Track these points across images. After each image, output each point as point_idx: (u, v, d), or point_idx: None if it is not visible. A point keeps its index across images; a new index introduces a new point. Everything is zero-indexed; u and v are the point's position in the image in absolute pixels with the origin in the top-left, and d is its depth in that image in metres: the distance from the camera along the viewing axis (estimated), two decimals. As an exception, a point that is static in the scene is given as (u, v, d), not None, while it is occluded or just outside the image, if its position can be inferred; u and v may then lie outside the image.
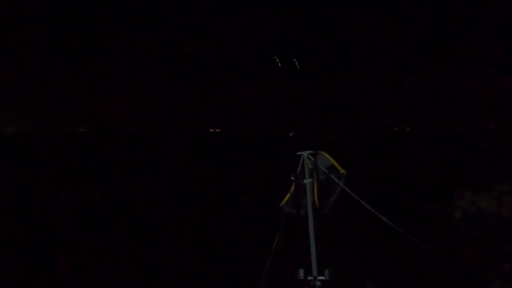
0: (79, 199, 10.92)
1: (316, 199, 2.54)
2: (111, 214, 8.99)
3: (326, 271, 2.36)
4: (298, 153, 2.68)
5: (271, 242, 2.69)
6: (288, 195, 2.72)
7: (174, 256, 5.86)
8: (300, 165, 2.67)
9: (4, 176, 16.12)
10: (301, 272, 2.40)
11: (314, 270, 2.39)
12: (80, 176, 16.11)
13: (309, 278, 2.37)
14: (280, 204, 2.75)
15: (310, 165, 2.64)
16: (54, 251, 6.18)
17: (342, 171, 2.68)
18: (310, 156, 2.65)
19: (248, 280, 4.45)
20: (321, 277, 2.36)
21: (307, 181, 2.60)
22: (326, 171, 2.69)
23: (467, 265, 4.66)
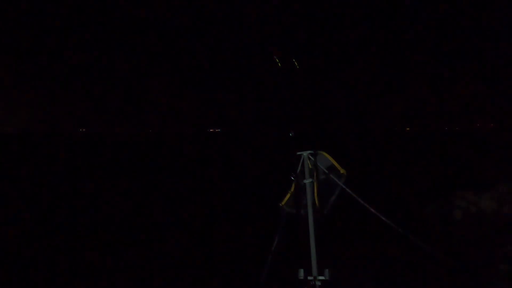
0: (79, 198, 10.92)
1: (316, 199, 2.54)
2: (112, 213, 9.00)
3: (326, 271, 2.36)
4: (298, 153, 2.67)
5: (271, 242, 2.69)
6: (288, 195, 2.72)
7: (175, 255, 5.86)
8: (300, 165, 2.66)
9: (4, 176, 16.12)
10: (301, 272, 2.40)
11: (314, 270, 2.38)
12: (80, 175, 16.11)
13: (309, 278, 2.37)
14: (280, 204, 2.74)
15: (310, 165, 2.63)
16: (54, 250, 6.18)
17: (342, 171, 2.67)
18: (310, 156, 2.65)
19: (248, 280, 4.45)
20: (321, 277, 2.36)
21: (307, 181, 2.59)
22: (326, 171, 2.69)
23: (467, 265, 4.66)
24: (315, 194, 2.55)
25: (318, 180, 2.57)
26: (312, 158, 2.64)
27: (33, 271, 5.33)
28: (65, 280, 5.06)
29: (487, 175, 11.05)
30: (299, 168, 2.66)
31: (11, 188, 12.90)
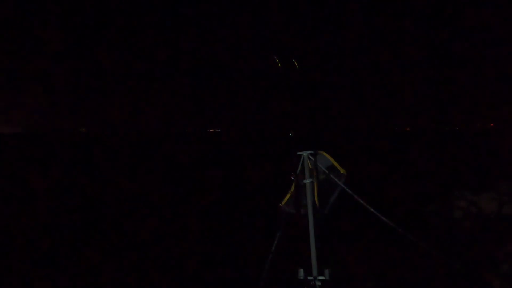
0: (79, 198, 10.92)
1: (316, 199, 2.54)
2: (112, 213, 9.00)
3: (326, 271, 2.36)
4: (298, 153, 2.68)
5: (271, 242, 2.69)
6: (288, 195, 2.72)
7: (174, 256, 5.86)
8: (300, 165, 2.67)
9: (4, 176, 16.13)
10: (301, 272, 2.40)
11: (314, 270, 2.39)
12: (80, 175, 16.11)
13: (309, 278, 2.38)
14: (280, 204, 2.75)
15: (310, 165, 2.64)
16: (54, 251, 6.18)
17: (342, 171, 2.68)
18: (310, 156, 2.65)
19: (248, 280, 4.44)
20: (321, 277, 2.36)
21: (307, 181, 2.60)
22: (326, 171, 2.69)
23: (467, 265, 4.66)
24: (315, 194, 2.55)
25: (318, 180, 2.57)
26: (312, 158, 2.64)
27: (33, 272, 5.33)
28: (65, 280, 5.06)
29: (487, 175, 11.06)
30: (299, 168, 2.67)
31: (11, 188, 12.90)
